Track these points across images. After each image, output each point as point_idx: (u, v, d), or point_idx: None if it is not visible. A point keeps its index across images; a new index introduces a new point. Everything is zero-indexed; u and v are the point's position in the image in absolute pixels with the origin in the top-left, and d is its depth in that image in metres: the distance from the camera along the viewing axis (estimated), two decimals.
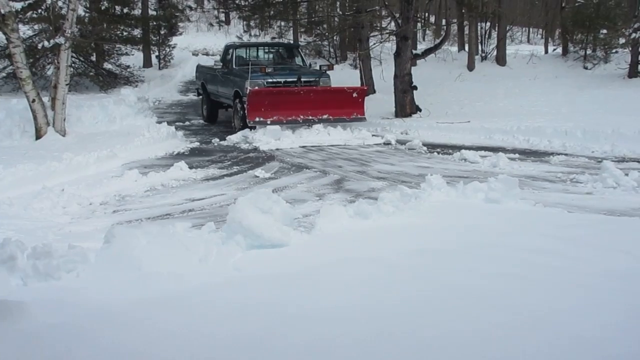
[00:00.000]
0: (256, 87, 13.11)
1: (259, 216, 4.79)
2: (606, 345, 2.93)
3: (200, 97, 16.95)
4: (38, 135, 11.58)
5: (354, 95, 13.82)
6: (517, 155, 10.67)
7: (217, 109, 16.24)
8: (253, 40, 30.01)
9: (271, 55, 16.20)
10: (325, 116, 13.43)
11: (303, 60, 15.86)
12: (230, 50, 15.44)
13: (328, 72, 14.68)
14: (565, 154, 10.65)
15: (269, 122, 12.92)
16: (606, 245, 4.54)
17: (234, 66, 14.76)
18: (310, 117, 13.31)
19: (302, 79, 13.84)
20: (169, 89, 23.15)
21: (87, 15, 21.04)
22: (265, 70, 13.74)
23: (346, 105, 13.72)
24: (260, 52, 16.26)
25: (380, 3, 19.13)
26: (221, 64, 15.35)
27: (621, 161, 9.87)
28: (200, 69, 17.45)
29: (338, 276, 3.97)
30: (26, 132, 11.79)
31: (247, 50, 15.91)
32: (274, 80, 13.63)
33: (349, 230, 5.25)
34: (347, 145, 12.25)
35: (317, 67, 15.01)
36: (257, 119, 12.91)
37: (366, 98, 17.43)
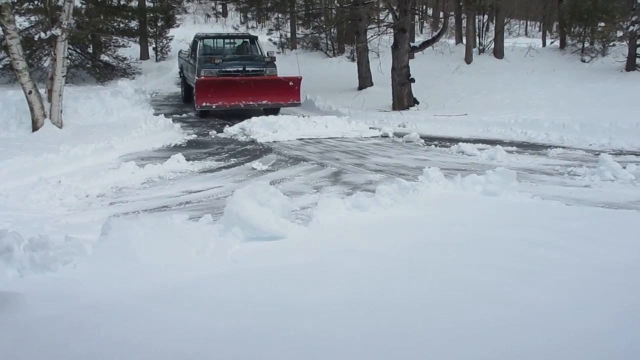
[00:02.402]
0: (203, 77, 15.05)
1: (257, 208, 4.78)
2: (604, 338, 2.92)
3: (181, 79, 18.86)
4: (35, 127, 11.56)
5: (290, 84, 15.45)
6: (514, 148, 10.67)
7: (192, 91, 17.14)
8: (257, 30, 29.96)
9: (232, 46, 17.80)
10: (265, 102, 15.23)
11: (260, 50, 17.31)
12: (197, 41, 16.87)
13: (275, 61, 16.34)
14: (563, 147, 10.66)
15: (214, 107, 14.86)
16: (604, 238, 4.54)
17: (197, 55, 16.19)
18: (252, 103, 15.09)
19: (248, 69, 15.66)
20: (165, 81, 23.10)
21: (83, 6, 20.91)
22: (214, 61, 15.59)
23: (283, 93, 15.37)
24: (223, 43, 17.86)
25: None
26: (190, 52, 17.38)
27: (619, 154, 9.88)
28: (180, 54, 19.42)
29: (336, 269, 3.96)
30: (23, 123, 11.77)
31: (213, 41, 17.58)
32: (224, 70, 15.47)
33: (347, 222, 5.25)
34: (345, 138, 12.25)
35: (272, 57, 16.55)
36: (204, 104, 14.76)
37: (364, 91, 18.08)
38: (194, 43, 17.09)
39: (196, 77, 15.01)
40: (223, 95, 14.81)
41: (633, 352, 2.84)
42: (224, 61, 15.87)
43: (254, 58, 16.66)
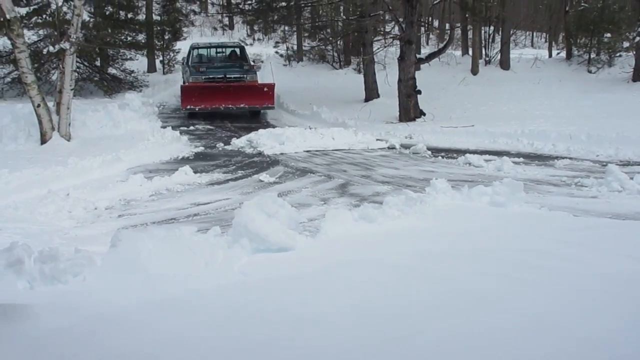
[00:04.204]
0: (186, 83, 17.51)
1: (265, 220, 4.80)
2: (611, 349, 2.93)
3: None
4: (43, 140, 11.62)
5: (265, 89, 16.96)
6: (521, 159, 10.67)
7: None
8: (257, 41, 30.20)
9: (221, 54, 19.88)
10: (242, 105, 16.89)
11: (246, 59, 19.18)
12: (191, 50, 19.30)
13: (257, 69, 18.26)
14: (570, 158, 10.65)
15: (197, 110, 16.62)
16: (611, 249, 4.53)
17: (189, 63, 18.61)
18: (230, 106, 16.79)
19: (229, 76, 17.40)
20: (173, 93, 23.11)
21: (91, 20, 21.08)
22: (199, 69, 17.64)
23: (259, 97, 16.97)
24: (214, 52, 20.06)
25: (384, 7, 19.19)
26: (185, 59, 19.41)
27: (626, 165, 9.87)
28: (182, 61, 21.22)
29: (344, 279, 3.97)
30: (31, 136, 11.83)
31: (206, 50, 19.95)
32: (209, 76, 17.30)
33: (354, 234, 5.25)
34: (352, 150, 12.26)
35: (257, 64, 18.58)
36: (188, 107, 16.59)
37: (370, 103, 18.55)
38: (189, 52, 19.35)
39: (181, 83, 17.47)
40: (205, 99, 16.52)
41: None
42: (209, 69, 17.85)
43: (236, 66, 18.35)
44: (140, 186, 8.94)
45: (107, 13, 22.83)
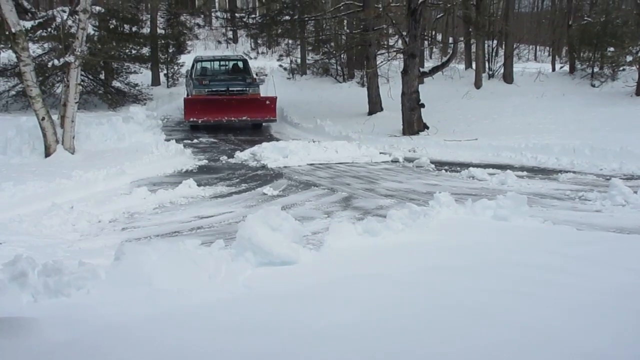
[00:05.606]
0: (189, 96, 17.82)
1: (269, 233, 4.80)
2: None
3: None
4: (47, 153, 11.64)
5: (267, 102, 17.11)
6: (525, 173, 10.67)
7: None
8: (260, 54, 30.44)
9: (224, 67, 20.10)
10: (244, 117, 16.99)
11: (248, 71, 19.26)
12: (194, 63, 19.47)
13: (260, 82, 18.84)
14: (574, 172, 10.65)
15: (199, 122, 16.86)
16: (615, 263, 4.52)
17: (192, 76, 18.75)
18: (233, 119, 16.88)
19: (232, 89, 17.58)
20: (177, 106, 23.18)
21: (96, 33, 21.16)
22: (202, 82, 17.75)
23: (261, 110, 17.05)
24: (217, 65, 20.27)
25: (388, 21, 19.23)
26: (189, 72, 19.71)
27: (630, 179, 9.86)
28: (186, 74, 21.43)
29: (347, 293, 3.96)
30: (35, 149, 11.85)
31: (209, 63, 20.01)
32: (212, 89, 17.44)
33: (358, 247, 5.25)
34: (355, 163, 12.26)
35: (261, 77, 18.80)
36: (191, 119, 16.82)
37: (374, 116, 18.75)
38: (192, 65, 19.53)
39: (184, 96, 17.93)
40: (207, 111, 16.69)
41: None
42: (212, 81, 17.87)
43: (239, 78, 18.45)
44: (144, 199, 8.95)
45: (112, 27, 22.88)
